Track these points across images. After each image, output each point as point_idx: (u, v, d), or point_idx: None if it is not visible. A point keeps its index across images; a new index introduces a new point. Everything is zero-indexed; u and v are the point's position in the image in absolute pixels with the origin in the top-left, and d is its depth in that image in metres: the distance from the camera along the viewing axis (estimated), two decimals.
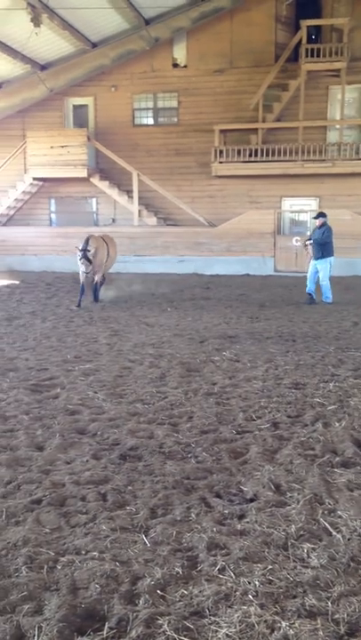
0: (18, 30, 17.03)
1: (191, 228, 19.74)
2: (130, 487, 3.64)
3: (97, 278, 12.10)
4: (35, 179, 20.78)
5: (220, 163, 19.54)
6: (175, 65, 20.67)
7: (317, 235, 12.22)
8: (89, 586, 2.58)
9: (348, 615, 2.40)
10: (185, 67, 20.59)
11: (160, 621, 2.35)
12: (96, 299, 12.18)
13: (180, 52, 20.55)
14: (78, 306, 11.50)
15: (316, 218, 12.58)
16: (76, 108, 21.52)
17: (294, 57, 19.46)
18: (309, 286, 12.45)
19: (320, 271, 12.27)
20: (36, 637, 2.26)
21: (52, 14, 16.77)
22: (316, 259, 12.24)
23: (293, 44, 19.24)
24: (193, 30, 19.94)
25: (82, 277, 11.86)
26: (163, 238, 19.66)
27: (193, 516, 3.27)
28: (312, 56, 18.73)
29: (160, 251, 19.51)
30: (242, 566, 2.75)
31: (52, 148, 19.91)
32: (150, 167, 20.54)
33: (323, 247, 12.15)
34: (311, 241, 12.34)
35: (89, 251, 11.73)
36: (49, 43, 18.68)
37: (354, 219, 18.58)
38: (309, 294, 12.40)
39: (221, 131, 19.71)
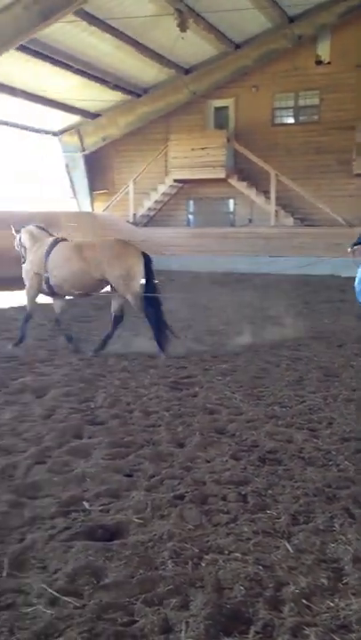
0: (164, 36, 17.50)
1: (329, 229, 19.22)
2: (270, 491, 3.60)
3: (57, 306, 7.90)
4: (175, 180, 21.26)
5: None
6: (318, 62, 20.23)
7: None
8: (233, 587, 2.58)
9: None
10: (328, 63, 20.08)
11: (306, 631, 2.30)
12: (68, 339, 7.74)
13: (323, 49, 20.09)
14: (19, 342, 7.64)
15: None
16: (217, 109, 21.74)
17: None
18: None
19: None
20: (183, 632, 2.30)
21: (197, 18, 17.06)
22: None
23: None
24: (338, 25, 19.41)
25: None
26: (299, 239, 19.32)
27: (337, 526, 3.17)
28: None
29: (296, 251, 19.17)
30: None
31: (192, 150, 20.26)
32: (289, 166, 20.28)
33: None
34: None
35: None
36: (193, 46, 19.02)
37: None
38: None
39: None
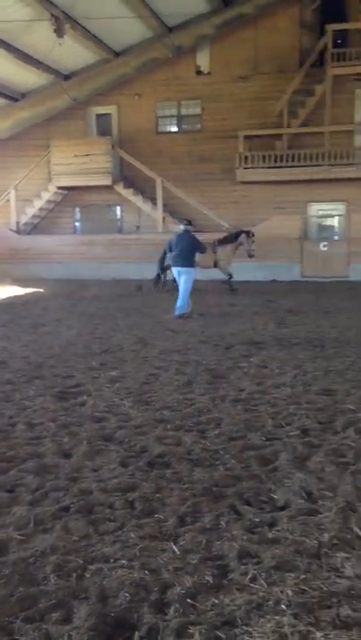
0: (41, 41, 17.22)
1: (216, 235, 19.66)
2: (158, 495, 3.58)
3: None
4: (59, 187, 20.95)
5: (245, 169, 19.49)
6: (199, 72, 20.71)
7: None
8: (118, 594, 2.53)
9: None
10: (208, 73, 20.61)
11: (191, 631, 2.30)
12: None
13: (203, 59, 20.59)
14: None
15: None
16: (99, 116, 21.68)
17: (319, 62, 19.36)
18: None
19: None
20: None
21: (75, 25, 16.93)
22: None
23: (319, 49, 19.16)
24: (216, 37, 19.97)
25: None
26: None
27: (223, 524, 3.21)
28: (338, 60, 18.61)
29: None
30: (274, 575, 2.68)
31: (76, 156, 20.07)
32: (174, 174, 20.58)
33: None
34: None
35: None
36: (72, 53, 18.86)
37: None
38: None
39: (246, 137, 19.66)
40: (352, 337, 8.97)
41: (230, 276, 15.76)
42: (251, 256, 15.76)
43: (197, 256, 11.97)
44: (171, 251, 11.56)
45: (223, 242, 15.68)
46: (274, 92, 19.64)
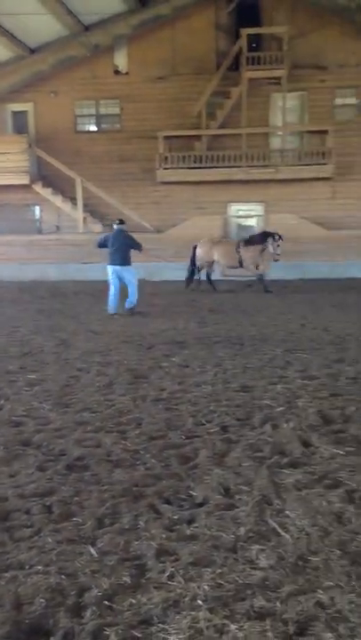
0: None
1: (137, 234, 19.64)
2: (76, 498, 3.55)
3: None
4: None
5: (165, 169, 19.60)
6: (117, 72, 20.64)
7: None
8: (33, 601, 2.49)
9: (296, 614, 2.40)
10: (126, 73, 20.58)
11: (107, 632, 2.30)
12: None
13: (121, 59, 20.55)
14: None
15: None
16: (15, 113, 21.21)
17: (236, 65, 19.71)
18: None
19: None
20: None
21: None
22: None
23: (234, 52, 19.49)
24: (134, 37, 19.97)
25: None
26: None
27: (142, 523, 3.22)
28: (253, 64, 19.01)
29: (106, 258, 19.31)
30: (191, 571, 2.72)
31: None
32: (94, 174, 20.43)
33: None
34: None
35: None
36: None
37: (298, 223, 18.91)
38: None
39: (166, 137, 19.76)
40: (270, 334, 9.19)
41: (261, 276, 15.98)
42: (275, 260, 15.78)
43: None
44: (103, 247, 11.68)
45: (248, 243, 15.90)
46: (192, 94, 19.85)
